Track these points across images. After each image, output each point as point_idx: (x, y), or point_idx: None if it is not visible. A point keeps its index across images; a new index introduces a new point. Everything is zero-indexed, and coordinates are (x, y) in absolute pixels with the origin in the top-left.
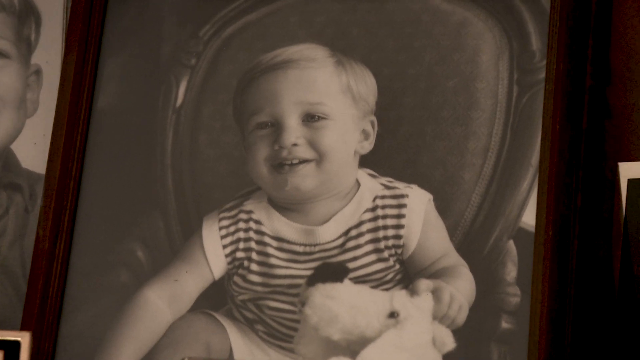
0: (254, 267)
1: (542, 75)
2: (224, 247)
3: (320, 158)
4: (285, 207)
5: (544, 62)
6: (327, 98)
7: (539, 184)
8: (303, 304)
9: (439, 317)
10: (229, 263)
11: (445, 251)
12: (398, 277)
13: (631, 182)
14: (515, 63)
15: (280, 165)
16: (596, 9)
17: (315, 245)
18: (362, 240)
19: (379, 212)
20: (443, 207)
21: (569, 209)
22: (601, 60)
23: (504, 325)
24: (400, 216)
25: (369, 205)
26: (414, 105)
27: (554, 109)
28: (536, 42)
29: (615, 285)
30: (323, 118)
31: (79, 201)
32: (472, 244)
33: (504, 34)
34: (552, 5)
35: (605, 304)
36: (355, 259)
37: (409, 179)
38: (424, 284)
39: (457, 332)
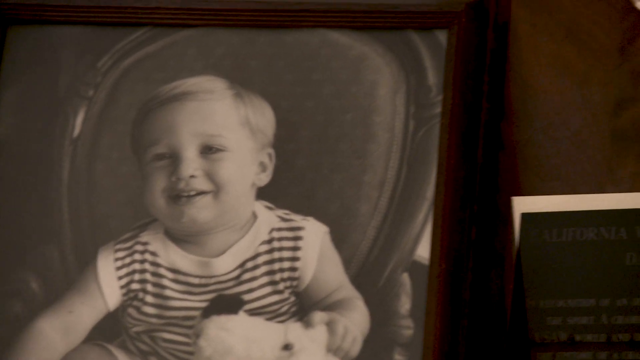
0: (148, 298)
1: (438, 109)
2: (119, 278)
3: (217, 190)
4: (182, 238)
5: (440, 97)
6: (225, 130)
7: (433, 218)
8: (197, 336)
9: (332, 350)
10: (123, 294)
11: (340, 284)
12: (293, 309)
13: (524, 216)
14: (412, 97)
15: (177, 196)
16: (492, 45)
17: (210, 277)
18: (257, 272)
19: (275, 244)
20: (339, 239)
21: (463, 242)
22: (497, 96)
23: (397, 357)
24: (296, 248)
25: (265, 237)
26: (312, 137)
27: (449, 143)
28: (432, 77)
29: (507, 319)
30: (221, 150)
31: None
32: (367, 276)
33: (401, 68)
34: (449, 40)
35: (497, 337)
36: (250, 291)
37: (305, 212)
38: (319, 317)
39: None
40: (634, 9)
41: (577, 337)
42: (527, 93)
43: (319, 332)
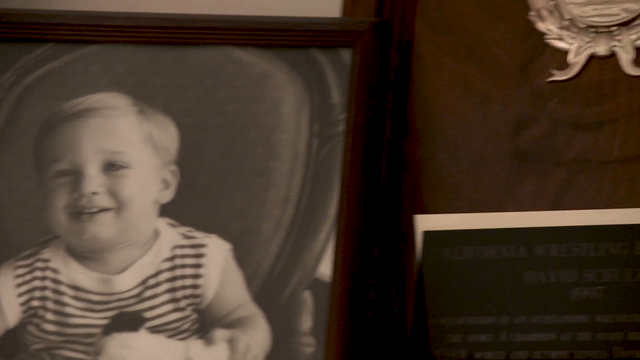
0: (49, 316)
1: (342, 127)
2: (19, 295)
3: (119, 207)
4: (84, 255)
5: (344, 115)
6: (128, 147)
7: (336, 235)
8: (98, 353)
9: None
10: (23, 312)
11: (242, 301)
12: (195, 326)
13: (426, 235)
14: (316, 115)
15: (79, 213)
16: (396, 64)
17: (112, 294)
18: (159, 289)
19: (177, 261)
20: (242, 257)
21: (366, 260)
22: (400, 114)
23: None
24: (198, 266)
25: (168, 254)
26: (215, 155)
27: (353, 161)
28: (337, 95)
29: (408, 336)
30: (124, 167)
31: None
32: (270, 293)
33: (305, 86)
34: (353, 59)
35: (398, 354)
36: (152, 308)
37: (208, 229)
38: (220, 334)
39: None
40: (535, 29)
41: (477, 355)
42: (430, 112)
43: (220, 350)
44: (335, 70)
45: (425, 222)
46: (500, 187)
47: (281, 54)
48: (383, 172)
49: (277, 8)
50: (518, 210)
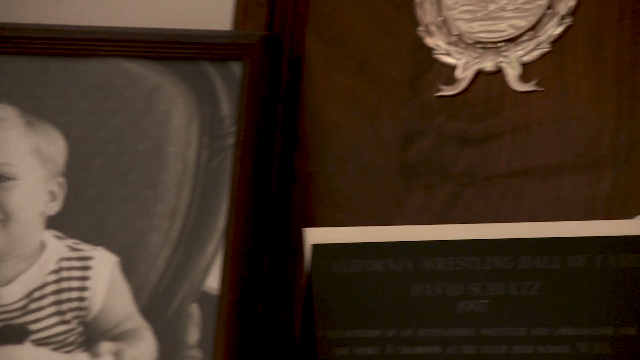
0: None
1: (232, 140)
2: None
3: (5, 218)
4: None
5: (234, 128)
6: (15, 158)
7: (224, 248)
8: None
9: None
10: None
11: (128, 314)
12: (80, 339)
13: (315, 248)
14: (206, 128)
15: None
16: (286, 78)
17: None
18: (45, 302)
19: (64, 274)
20: (129, 269)
21: (254, 272)
22: (290, 128)
23: None
24: (84, 278)
25: (54, 267)
26: (103, 167)
27: (242, 174)
28: (227, 108)
29: (296, 348)
30: (10, 178)
31: None
32: (157, 306)
33: (195, 99)
34: (243, 72)
35: None
36: (37, 321)
37: (95, 241)
38: (106, 347)
39: None
40: (424, 45)
41: None
42: (320, 125)
43: None
44: (226, 83)
45: (314, 235)
46: (388, 200)
47: (171, 66)
48: (273, 184)
49: (167, 20)
50: (405, 224)
